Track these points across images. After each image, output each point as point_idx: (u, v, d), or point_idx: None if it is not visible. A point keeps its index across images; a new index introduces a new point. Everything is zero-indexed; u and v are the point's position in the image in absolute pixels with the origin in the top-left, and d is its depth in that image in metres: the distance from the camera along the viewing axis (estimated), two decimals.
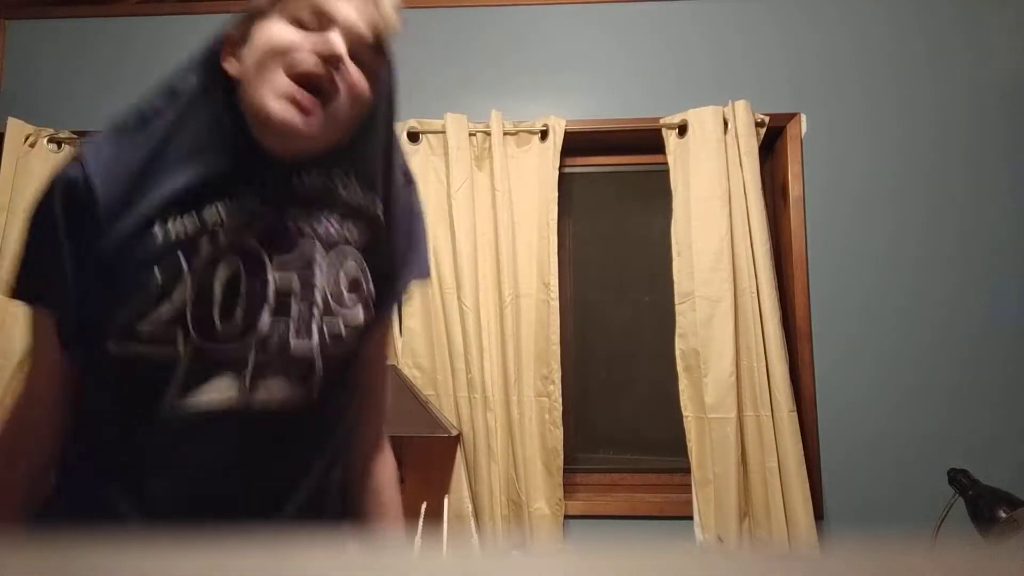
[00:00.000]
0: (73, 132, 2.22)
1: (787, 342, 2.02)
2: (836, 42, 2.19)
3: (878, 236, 2.10)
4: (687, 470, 2.02)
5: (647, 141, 2.17)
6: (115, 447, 0.82)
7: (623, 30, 2.24)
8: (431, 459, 2.06)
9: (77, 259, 0.79)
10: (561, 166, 2.13)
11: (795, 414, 1.97)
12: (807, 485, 1.93)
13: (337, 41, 0.76)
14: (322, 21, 0.77)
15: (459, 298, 2.05)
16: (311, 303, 0.83)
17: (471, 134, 2.14)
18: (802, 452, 1.95)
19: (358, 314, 0.87)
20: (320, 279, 0.83)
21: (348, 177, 0.87)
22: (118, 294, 0.78)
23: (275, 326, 0.81)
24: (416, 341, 2.09)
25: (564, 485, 2.01)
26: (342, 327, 0.85)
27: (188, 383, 0.79)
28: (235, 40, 0.81)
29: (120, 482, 0.80)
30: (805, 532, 1.90)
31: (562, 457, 2.01)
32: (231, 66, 0.81)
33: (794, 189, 2.13)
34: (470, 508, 2.01)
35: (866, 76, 2.16)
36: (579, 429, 2.23)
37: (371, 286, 0.89)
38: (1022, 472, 1.88)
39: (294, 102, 0.76)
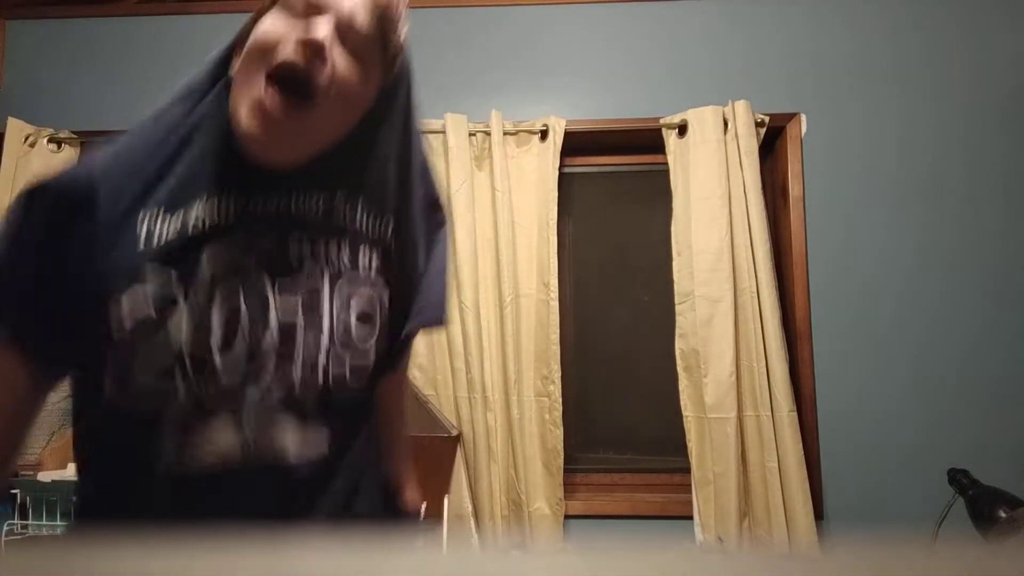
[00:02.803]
0: (73, 132, 2.22)
1: (787, 342, 2.02)
2: (836, 42, 2.19)
3: (878, 236, 2.10)
4: (687, 470, 2.02)
5: (647, 141, 2.17)
6: (121, 499, 0.74)
7: (623, 30, 2.24)
8: (431, 459, 2.05)
9: (59, 276, 0.70)
10: (561, 166, 2.13)
11: (795, 414, 1.97)
12: (807, 485, 1.93)
13: (319, 26, 0.67)
14: (313, 8, 0.68)
15: (459, 298, 2.05)
16: (317, 334, 0.74)
17: (471, 134, 2.14)
18: (802, 452, 1.95)
19: (369, 350, 0.79)
20: (326, 308, 0.75)
21: (354, 199, 0.79)
22: (101, 315, 0.69)
23: (279, 360, 0.72)
24: (416, 341, 2.08)
25: (564, 485, 2.01)
26: (350, 362, 0.77)
27: (184, 431, 0.70)
28: (241, 39, 0.76)
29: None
30: (805, 532, 1.90)
31: (562, 457, 2.01)
32: (232, 67, 0.76)
33: (794, 189, 2.13)
34: (470, 508, 2.01)
35: (866, 76, 2.16)
36: (579, 429, 2.23)
37: (386, 319, 0.81)
38: (1022, 472, 1.88)
39: (261, 110, 0.68)
